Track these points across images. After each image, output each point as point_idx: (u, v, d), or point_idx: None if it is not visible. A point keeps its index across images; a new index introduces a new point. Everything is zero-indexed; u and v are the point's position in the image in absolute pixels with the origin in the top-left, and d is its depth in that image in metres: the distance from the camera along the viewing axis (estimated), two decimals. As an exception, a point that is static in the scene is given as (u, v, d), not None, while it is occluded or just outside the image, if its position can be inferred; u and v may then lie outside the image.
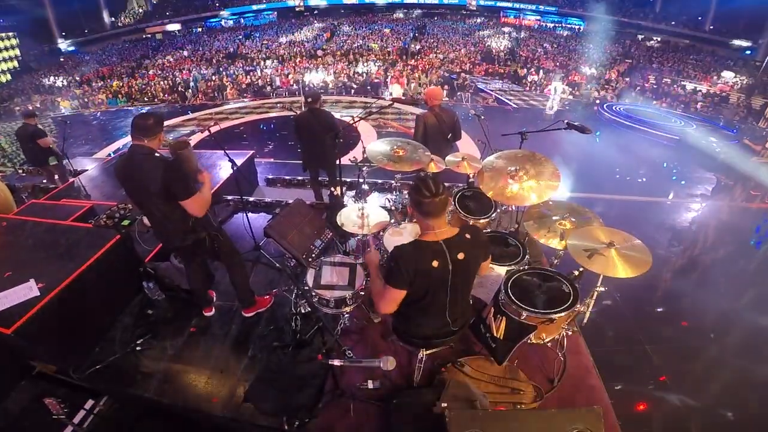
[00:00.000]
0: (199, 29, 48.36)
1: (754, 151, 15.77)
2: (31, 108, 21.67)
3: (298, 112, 7.79)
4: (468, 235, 3.25)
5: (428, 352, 3.79)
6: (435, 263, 3.12)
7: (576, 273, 4.22)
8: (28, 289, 4.45)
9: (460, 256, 3.17)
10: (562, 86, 25.80)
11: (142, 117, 4.07)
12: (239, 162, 6.92)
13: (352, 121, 6.18)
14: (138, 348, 4.92)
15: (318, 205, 8.12)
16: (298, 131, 7.45)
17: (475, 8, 46.69)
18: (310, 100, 7.31)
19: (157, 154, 4.05)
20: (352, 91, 28.06)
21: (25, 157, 10.94)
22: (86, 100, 30.03)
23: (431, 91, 7.04)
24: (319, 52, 37.37)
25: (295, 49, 38.73)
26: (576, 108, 23.73)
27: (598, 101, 24.97)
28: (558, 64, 32.52)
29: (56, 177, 10.04)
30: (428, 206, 3.08)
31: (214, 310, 5.38)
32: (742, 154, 15.48)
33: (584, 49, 36.39)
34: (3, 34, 39.04)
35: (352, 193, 8.01)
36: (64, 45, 43.74)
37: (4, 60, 39.04)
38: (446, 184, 3.35)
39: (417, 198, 3.10)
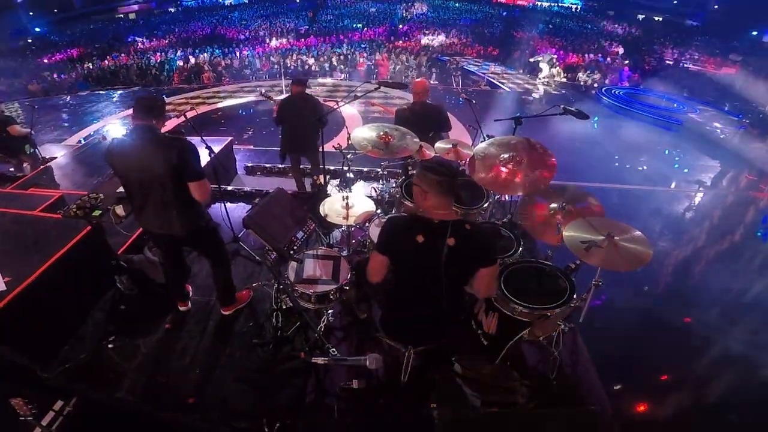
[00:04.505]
0: (173, 9, 48.01)
1: (755, 136, 15.83)
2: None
3: (276, 98, 7.76)
4: (468, 226, 3.22)
5: (416, 349, 3.79)
6: (419, 238, 3.13)
7: (572, 266, 4.23)
8: (-6, 284, 4.42)
9: (450, 241, 3.13)
10: (548, 68, 25.88)
11: (149, 98, 4.11)
12: (217, 149, 6.86)
13: (336, 106, 6.16)
14: (110, 345, 4.90)
15: (300, 194, 8.10)
16: (282, 114, 7.42)
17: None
18: (297, 83, 7.29)
19: (168, 135, 4.10)
20: (344, 76, 27.88)
21: None
22: (55, 83, 29.70)
23: (414, 85, 6.90)
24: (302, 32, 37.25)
25: (276, 30, 38.45)
26: (572, 92, 23.71)
27: (595, 85, 24.95)
28: (556, 47, 32.42)
29: (26, 166, 9.93)
30: (450, 186, 3.15)
31: (190, 304, 5.36)
32: (744, 139, 15.58)
33: (581, 30, 36.42)
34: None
35: (336, 181, 7.99)
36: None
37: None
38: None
39: (433, 177, 3.13)
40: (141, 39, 39.03)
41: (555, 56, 28.16)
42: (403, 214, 3.30)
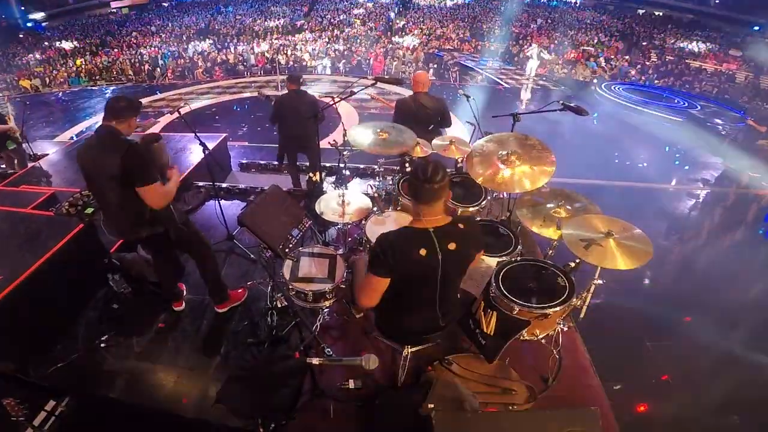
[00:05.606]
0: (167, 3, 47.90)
1: (759, 133, 15.81)
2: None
3: (269, 94, 7.77)
4: (461, 225, 3.21)
5: (413, 349, 3.78)
6: (422, 251, 3.07)
7: (572, 264, 4.21)
8: (-15, 282, 4.41)
9: (451, 246, 3.12)
10: (537, 60, 25.92)
11: (115, 98, 4.11)
12: (211, 145, 6.85)
13: (332, 102, 6.13)
14: (102, 345, 4.90)
15: (296, 192, 8.09)
16: (280, 113, 7.42)
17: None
18: (292, 80, 7.28)
19: (121, 137, 4.02)
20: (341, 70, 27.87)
21: None
22: (47, 79, 29.64)
23: (415, 76, 6.93)
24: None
25: (270, 25, 38.38)
26: (571, 88, 23.67)
27: (595, 80, 24.93)
28: (556, 42, 32.33)
29: (15, 162, 9.89)
30: (419, 191, 3.06)
31: (184, 304, 5.36)
32: (747, 136, 15.56)
33: (580, 25, 36.37)
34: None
35: (332, 179, 7.98)
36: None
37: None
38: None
39: (411, 180, 3.12)
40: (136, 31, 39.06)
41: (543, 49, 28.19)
42: (394, 230, 3.20)
